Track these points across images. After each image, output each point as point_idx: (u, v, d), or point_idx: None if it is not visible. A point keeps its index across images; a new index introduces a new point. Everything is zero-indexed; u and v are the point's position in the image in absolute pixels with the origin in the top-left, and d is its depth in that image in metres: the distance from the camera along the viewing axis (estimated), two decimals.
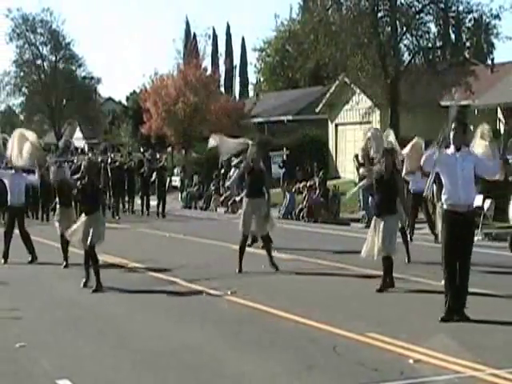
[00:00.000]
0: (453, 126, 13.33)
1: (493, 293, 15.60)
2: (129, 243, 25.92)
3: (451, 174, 13.16)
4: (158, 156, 44.96)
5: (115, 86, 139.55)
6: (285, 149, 40.97)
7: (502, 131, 39.64)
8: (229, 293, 16.21)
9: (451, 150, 13.34)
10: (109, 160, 38.62)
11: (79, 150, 54.11)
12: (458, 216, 13.06)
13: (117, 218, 36.18)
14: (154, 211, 38.18)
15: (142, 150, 47.51)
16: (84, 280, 17.55)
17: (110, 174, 36.25)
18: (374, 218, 16.47)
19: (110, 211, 35.57)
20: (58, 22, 75.78)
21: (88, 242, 17.18)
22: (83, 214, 17.55)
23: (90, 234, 17.10)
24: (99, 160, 35.68)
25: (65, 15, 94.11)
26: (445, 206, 13.31)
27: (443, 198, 13.39)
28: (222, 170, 38.69)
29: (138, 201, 38.98)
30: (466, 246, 13.19)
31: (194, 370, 10.70)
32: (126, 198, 39.20)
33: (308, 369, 10.56)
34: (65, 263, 20.37)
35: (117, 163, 38.60)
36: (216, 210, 40.36)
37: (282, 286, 17.57)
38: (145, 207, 38.88)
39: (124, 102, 76.19)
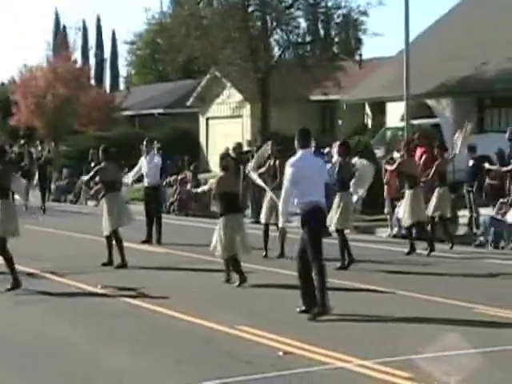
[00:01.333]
0: None
1: (365, 287, 16.03)
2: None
3: None
4: (39, 148, 44.90)
5: None
6: (155, 142, 40.98)
7: (370, 126, 40.43)
8: (99, 287, 16.16)
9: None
10: None
11: None
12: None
13: None
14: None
15: (22, 142, 46.84)
16: None
17: None
18: None
19: None
20: None
21: None
22: None
23: None
24: None
25: None
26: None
27: None
28: (92, 164, 38.37)
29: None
30: None
31: (70, 365, 10.70)
32: None
33: (179, 362, 10.62)
34: None
35: None
36: (86, 204, 40.02)
37: (156, 279, 17.53)
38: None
39: None
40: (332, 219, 18.56)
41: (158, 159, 24.60)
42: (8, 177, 16.67)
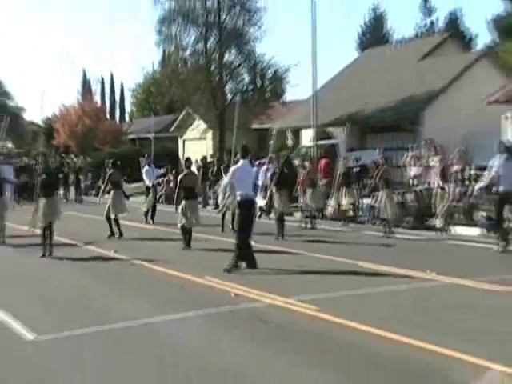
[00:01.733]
0: None
1: (287, 250, 16.13)
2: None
3: None
4: (74, 160, 45.24)
5: (35, 113, 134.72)
6: (146, 155, 40.87)
7: (290, 145, 40.64)
8: (112, 251, 16.09)
9: None
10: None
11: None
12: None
13: None
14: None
15: (62, 155, 46.73)
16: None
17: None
18: None
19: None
20: None
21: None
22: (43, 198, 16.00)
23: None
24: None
25: None
26: None
27: None
28: (106, 170, 38.16)
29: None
30: None
31: (82, 307, 10.74)
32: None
33: (160, 302, 10.56)
34: None
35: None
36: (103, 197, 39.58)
37: (148, 247, 17.44)
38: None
39: (41, 123, 75.19)
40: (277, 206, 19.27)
41: (158, 170, 25.77)
42: (57, 180, 16.90)
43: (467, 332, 8.36)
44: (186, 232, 16.71)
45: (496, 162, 15.72)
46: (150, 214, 23.36)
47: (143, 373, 7.22)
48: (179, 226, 16.79)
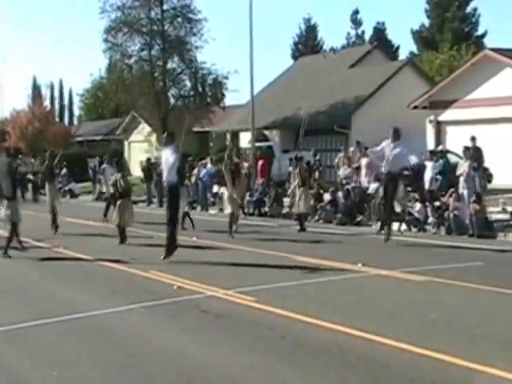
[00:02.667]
0: None
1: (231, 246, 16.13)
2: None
3: None
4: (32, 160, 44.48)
5: None
6: (97, 157, 40.36)
7: (228, 144, 40.67)
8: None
9: None
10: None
11: None
12: None
13: None
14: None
15: (20, 156, 45.83)
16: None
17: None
18: None
19: None
20: None
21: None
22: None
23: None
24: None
25: None
26: None
27: None
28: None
29: None
30: None
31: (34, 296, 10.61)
32: None
33: (111, 294, 10.52)
34: None
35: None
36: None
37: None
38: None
39: None
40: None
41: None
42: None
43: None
44: (121, 229, 16.39)
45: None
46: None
47: (91, 360, 7.19)
48: (116, 223, 16.45)
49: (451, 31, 52.54)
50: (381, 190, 20.12)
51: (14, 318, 9.14)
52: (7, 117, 63.81)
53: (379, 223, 16.70)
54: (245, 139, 36.10)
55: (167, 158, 13.43)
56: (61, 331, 8.48)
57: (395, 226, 16.32)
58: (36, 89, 78.59)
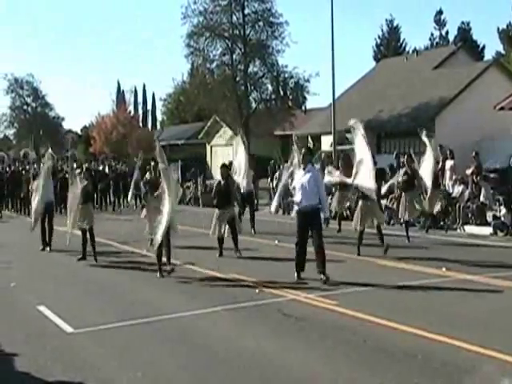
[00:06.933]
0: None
1: None
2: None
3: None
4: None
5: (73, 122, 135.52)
6: (180, 161, 40.95)
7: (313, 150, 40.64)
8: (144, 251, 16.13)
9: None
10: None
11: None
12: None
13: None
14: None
15: (111, 161, 46.93)
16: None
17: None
18: None
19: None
20: (37, 82, 73.51)
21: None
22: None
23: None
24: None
25: (41, 77, 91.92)
26: None
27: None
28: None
29: None
30: None
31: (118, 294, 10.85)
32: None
33: (193, 297, 10.66)
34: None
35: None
36: None
37: None
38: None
39: (79, 132, 76.45)
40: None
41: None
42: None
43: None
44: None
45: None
46: None
47: (176, 361, 7.31)
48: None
49: None
50: (466, 194, 19.78)
51: (103, 318, 9.37)
52: (92, 122, 65.35)
53: (464, 227, 16.21)
54: (327, 142, 35.94)
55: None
56: (146, 332, 8.66)
57: (486, 230, 15.75)
58: (120, 94, 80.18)
